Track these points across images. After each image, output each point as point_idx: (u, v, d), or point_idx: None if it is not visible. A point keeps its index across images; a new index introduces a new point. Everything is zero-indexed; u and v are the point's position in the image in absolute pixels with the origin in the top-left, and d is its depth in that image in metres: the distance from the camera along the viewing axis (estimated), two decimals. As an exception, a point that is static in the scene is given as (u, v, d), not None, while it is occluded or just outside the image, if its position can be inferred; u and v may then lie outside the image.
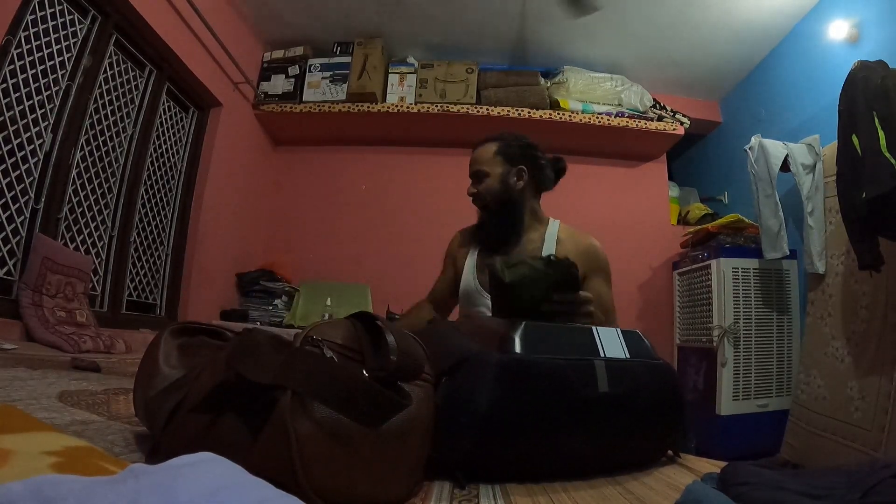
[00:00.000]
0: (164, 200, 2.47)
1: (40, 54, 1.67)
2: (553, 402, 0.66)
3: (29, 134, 1.65)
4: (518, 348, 0.68)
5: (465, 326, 0.87)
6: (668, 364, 0.80)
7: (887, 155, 1.46)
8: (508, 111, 2.92)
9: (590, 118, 2.93)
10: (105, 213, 2.08)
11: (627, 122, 2.95)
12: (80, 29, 1.86)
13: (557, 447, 0.66)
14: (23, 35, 1.60)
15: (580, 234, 1.31)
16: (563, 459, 0.68)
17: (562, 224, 1.33)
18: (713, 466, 0.74)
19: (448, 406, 0.62)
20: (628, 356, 0.75)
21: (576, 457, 0.68)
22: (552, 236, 1.29)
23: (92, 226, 2.00)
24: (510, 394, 0.64)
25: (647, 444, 0.77)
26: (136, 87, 2.22)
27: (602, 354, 0.73)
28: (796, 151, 2.21)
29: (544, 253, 1.25)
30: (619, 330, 0.79)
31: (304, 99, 2.99)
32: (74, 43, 1.83)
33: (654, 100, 3.09)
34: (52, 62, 1.73)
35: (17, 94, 1.59)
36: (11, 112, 1.57)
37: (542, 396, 0.65)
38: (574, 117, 2.92)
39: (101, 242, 2.06)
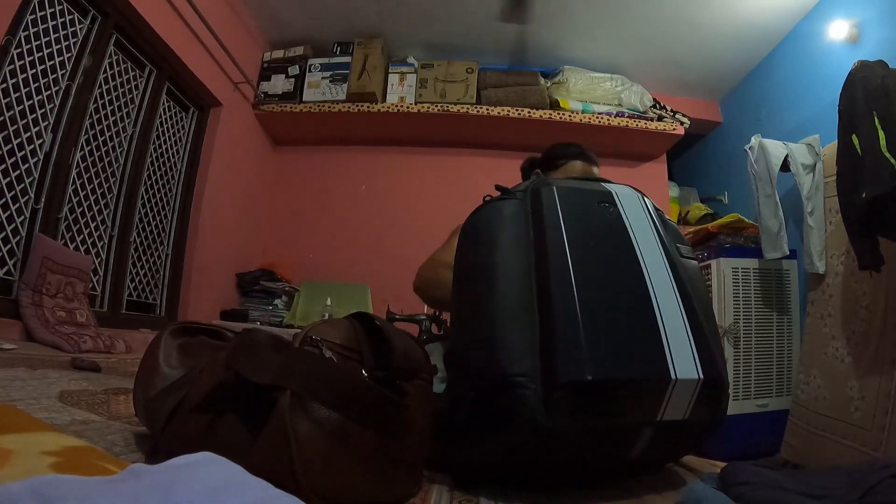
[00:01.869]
0: (164, 200, 2.47)
1: (40, 54, 1.67)
2: (575, 468, 0.61)
3: (29, 134, 1.65)
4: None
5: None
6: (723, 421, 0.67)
7: (887, 155, 1.46)
8: (508, 111, 2.92)
9: (590, 118, 2.93)
10: (105, 213, 2.08)
11: (627, 122, 2.94)
12: (80, 29, 1.85)
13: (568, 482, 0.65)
14: (23, 35, 1.60)
15: None
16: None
17: None
18: (713, 466, 0.74)
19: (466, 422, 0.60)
20: (687, 417, 0.62)
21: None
22: None
23: (92, 226, 2.00)
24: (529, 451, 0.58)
25: (659, 467, 0.75)
26: (136, 87, 2.22)
27: (659, 417, 0.60)
28: (796, 151, 2.20)
29: None
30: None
31: (304, 99, 2.99)
32: (74, 43, 1.83)
33: (654, 100, 3.09)
34: (52, 62, 1.72)
35: (17, 94, 1.59)
36: (11, 112, 1.57)
37: (566, 462, 0.60)
38: (574, 117, 2.92)
39: (101, 242, 2.06)
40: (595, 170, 1.21)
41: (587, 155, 1.23)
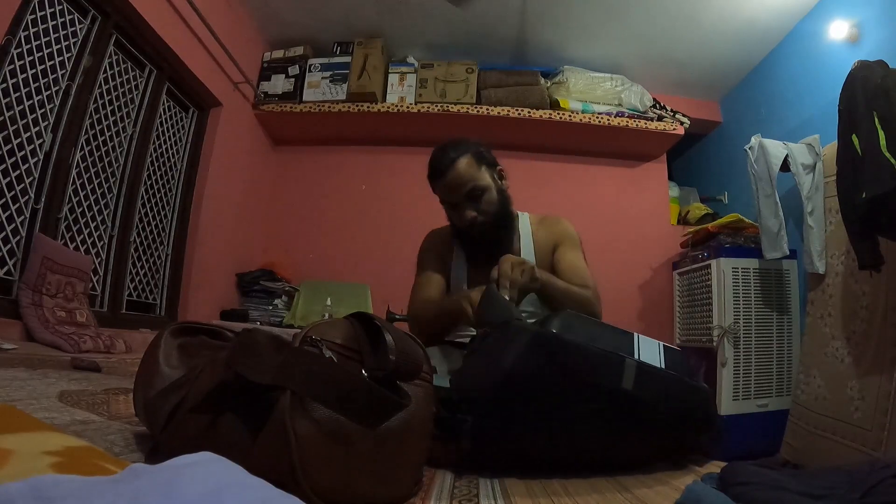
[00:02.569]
0: (164, 200, 2.47)
1: (40, 54, 1.67)
2: (574, 381, 0.68)
3: (29, 134, 1.65)
4: (556, 328, 0.71)
5: None
6: (707, 389, 0.80)
7: (887, 155, 1.46)
8: (508, 111, 2.92)
9: (590, 118, 2.92)
10: (105, 213, 2.08)
11: (627, 121, 2.94)
12: (80, 29, 1.85)
13: (567, 428, 0.68)
14: (23, 35, 1.60)
15: (549, 218, 1.31)
16: (568, 443, 0.69)
17: (530, 215, 1.32)
18: (713, 466, 0.74)
19: (480, 354, 0.69)
20: (664, 367, 0.76)
21: (581, 443, 0.69)
22: (527, 232, 1.29)
23: (92, 226, 2.00)
24: (535, 360, 0.67)
25: (654, 452, 0.77)
26: (136, 87, 2.22)
27: (636, 356, 0.74)
28: (796, 151, 2.20)
29: (523, 248, 1.25)
30: (662, 344, 0.80)
31: (304, 99, 2.99)
32: (74, 43, 1.83)
33: (654, 100, 3.09)
34: (52, 62, 1.72)
35: (17, 94, 1.59)
36: (11, 112, 1.57)
37: (565, 372, 0.68)
38: (574, 117, 2.92)
39: (101, 242, 2.06)
40: (456, 172, 1.18)
41: (438, 169, 1.21)
